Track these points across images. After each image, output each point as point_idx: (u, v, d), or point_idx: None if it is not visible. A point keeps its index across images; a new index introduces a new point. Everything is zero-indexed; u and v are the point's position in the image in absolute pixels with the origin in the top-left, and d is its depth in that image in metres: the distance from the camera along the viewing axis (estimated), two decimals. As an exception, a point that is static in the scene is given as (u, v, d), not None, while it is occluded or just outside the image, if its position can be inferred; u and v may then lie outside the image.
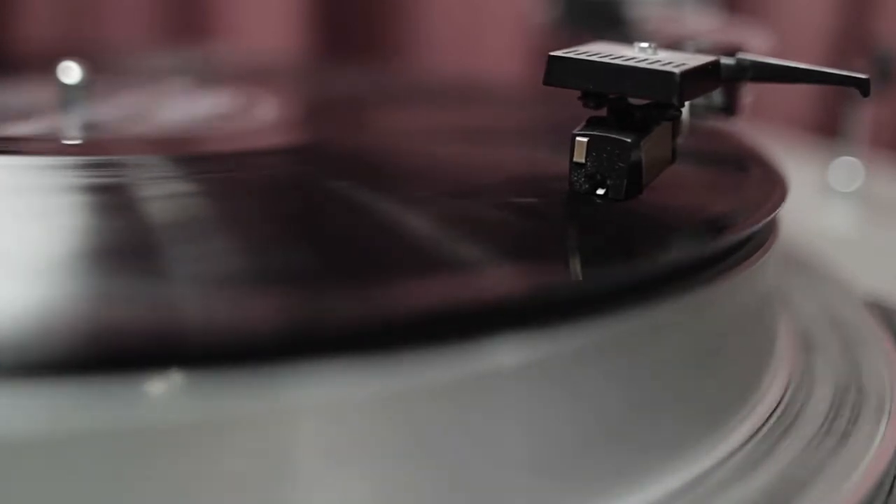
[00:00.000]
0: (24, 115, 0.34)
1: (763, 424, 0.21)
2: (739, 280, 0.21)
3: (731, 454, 0.20)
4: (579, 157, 0.22)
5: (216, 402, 0.14)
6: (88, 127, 0.32)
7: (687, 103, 0.24)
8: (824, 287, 0.29)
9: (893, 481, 0.20)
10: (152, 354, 0.14)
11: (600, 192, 0.22)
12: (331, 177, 0.25)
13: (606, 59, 0.21)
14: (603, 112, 0.22)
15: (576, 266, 0.19)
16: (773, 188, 0.25)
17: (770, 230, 0.24)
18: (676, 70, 0.21)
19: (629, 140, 0.21)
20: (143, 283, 0.17)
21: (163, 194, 0.23)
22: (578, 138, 0.22)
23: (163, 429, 0.14)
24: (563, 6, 0.43)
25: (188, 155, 0.28)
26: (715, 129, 0.30)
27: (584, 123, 0.22)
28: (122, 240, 0.20)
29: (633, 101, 0.22)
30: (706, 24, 0.37)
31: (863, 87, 0.22)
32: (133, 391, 0.14)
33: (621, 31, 0.37)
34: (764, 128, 0.50)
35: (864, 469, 0.19)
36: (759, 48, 0.30)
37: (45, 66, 0.33)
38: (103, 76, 0.35)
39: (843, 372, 0.24)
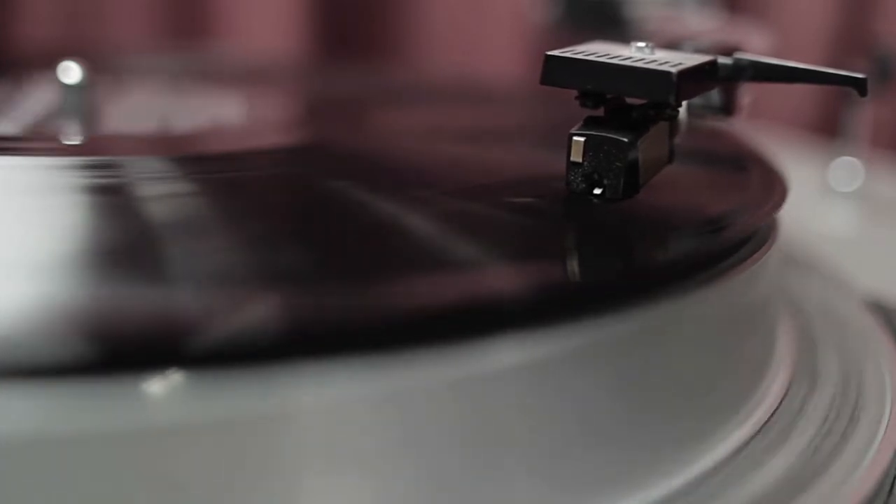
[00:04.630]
0: (24, 114, 0.34)
1: (764, 424, 0.21)
2: (739, 280, 0.21)
3: (732, 454, 0.20)
4: (576, 156, 0.22)
5: (216, 403, 0.14)
6: (88, 127, 0.32)
7: (684, 103, 0.24)
8: (824, 287, 0.29)
9: (893, 481, 0.20)
10: (152, 355, 0.14)
11: (597, 191, 0.22)
12: (331, 177, 0.25)
13: (603, 59, 0.21)
14: (600, 111, 0.22)
15: (574, 266, 0.19)
16: (773, 188, 0.25)
17: (770, 230, 0.24)
18: (673, 70, 0.21)
19: (626, 139, 0.21)
20: (142, 283, 0.17)
21: (162, 194, 0.23)
22: (575, 138, 0.22)
23: (162, 429, 0.14)
24: (563, 6, 0.43)
25: (188, 155, 0.28)
26: (714, 129, 0.30)
27: (581, 123, 0.22)
28: (122, 240, 0.20)
29: (631, 100, 0.22)
30: (706, 24, 0.37)
31: (860, 87, 0.22)
32: (132, 392, 0.14)
33: (621, 30, 0.37)
34: (764, 128, 0.50)
35: (864, 469, 0.19)
36: (758, 48, 0.30)
37: (45, 66, 0.33)
38: (103, 76, 0.35)
39: (844, 372, 0.24)
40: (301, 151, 0.29)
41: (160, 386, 0.14)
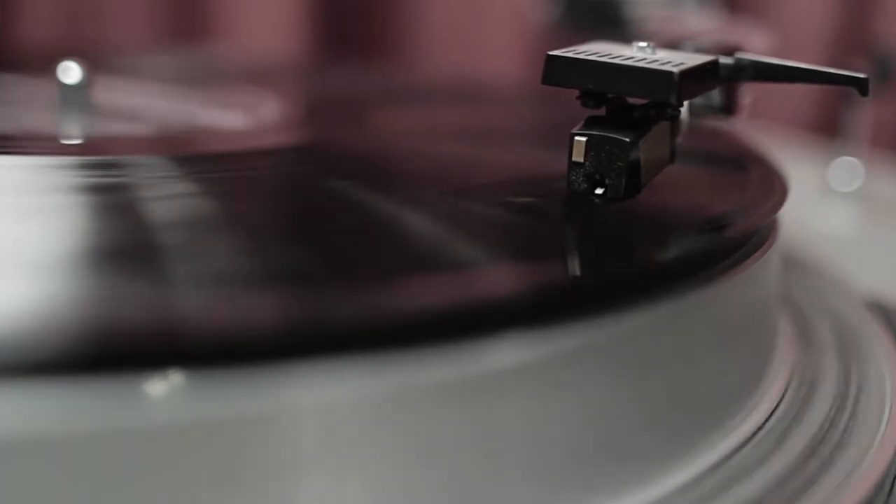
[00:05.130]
0: (24, 114, 0.34)
1: (763, 424, 0.21)
2: (739, 280, 0.21)
3: (732, 454, 0.20)
4: (578, 156, 0.22)
5: (216, 402, 0.14)
6: (88, 127, 0.32)
7: (686, 103, 0.24)
8: (824, 287, 0.29)
9: (893, 481, 0.20)
10: (152, 354, 0.14)
11: (599, 191, 0.22)
12: (331, 177, 0.25)
13: (605, 59, 0.21)
14: (601, 111, 0.22)
15: (575, 266, 0.19)
16: (773, 188, 0.25)
17: (770, 230, 0.24)
18: (675, 69, 0.21)
19: (628, 139, 0.21)
20: (142, 283, 0.17)
21: (163, 194, 0.23)
22: (577, 137, 0.22)
23: (162, 429, 0.14)
24: (563, 6, 0.43)
25: (188, 155, 0.28)
26: (715, 129, 0.30)
27: (582, 123, 0.22)
28: (122, 240, 0.20)
29: (632, 100, 0.22)
30: (706, 24, 0.37)
31: (861, 86, 0.22)
32: (133, 391, 0.14)
33: (621, 30, 0.37)
34: (764, 128, 0.50)
35: (864, 469, 0.19)
36: (758, 48, 0.30)
37: (45, 66, 0.33)
38: (103, 76, 0.35)
39: (844, 372, 0.24)
40: (301, 151, 0.29)
41: (160, 386, 0.14)
